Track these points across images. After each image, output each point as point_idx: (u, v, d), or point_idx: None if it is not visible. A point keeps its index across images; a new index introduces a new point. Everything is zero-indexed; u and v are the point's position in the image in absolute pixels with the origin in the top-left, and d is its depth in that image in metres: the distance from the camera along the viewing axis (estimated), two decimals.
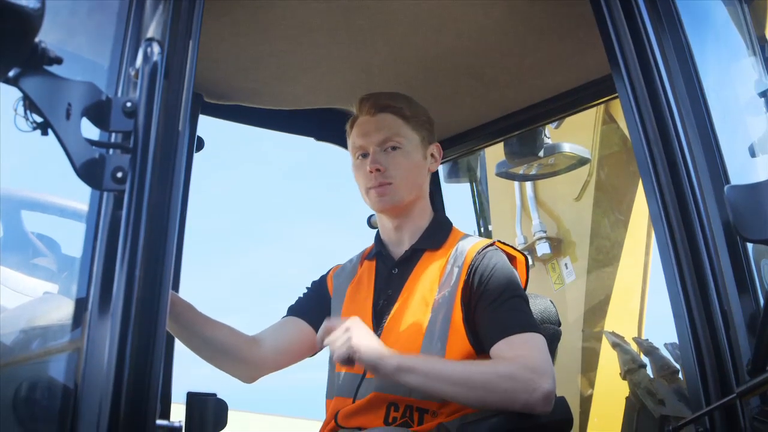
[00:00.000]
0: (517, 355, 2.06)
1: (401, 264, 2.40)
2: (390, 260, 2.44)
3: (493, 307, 2.16)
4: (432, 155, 2.48)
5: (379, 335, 2.29)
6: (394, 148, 2.37)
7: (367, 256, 2.54)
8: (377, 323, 2.33)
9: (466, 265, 2.24)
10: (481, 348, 2.17)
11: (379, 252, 2.48)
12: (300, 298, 2.59)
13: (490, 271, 2.20)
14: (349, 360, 2.03)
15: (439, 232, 2.42)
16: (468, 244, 2.31)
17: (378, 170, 2.34)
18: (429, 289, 2.28)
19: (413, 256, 2.39)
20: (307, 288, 2.61)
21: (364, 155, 2.40)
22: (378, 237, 2.51)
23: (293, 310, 2.55)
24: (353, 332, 2.05)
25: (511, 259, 2.31)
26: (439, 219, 2.48)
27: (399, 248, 2.43)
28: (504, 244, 2.35)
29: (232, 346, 2.41)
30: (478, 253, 2.26)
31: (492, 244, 2.31)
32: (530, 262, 4.68)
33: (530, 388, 2.00)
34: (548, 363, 2.06)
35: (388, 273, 2.42)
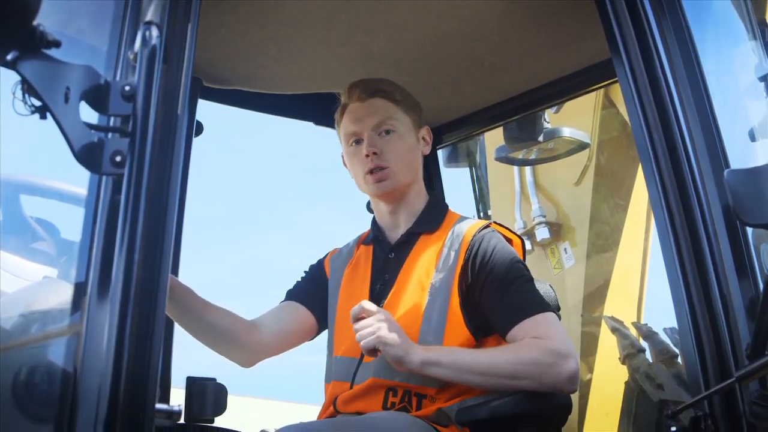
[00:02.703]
0: (535, 338, 2.09)
1: (397, 248, 2.40)
2: (386, 245, 2.43)
3: (500, 292, 2.17)
4: (423, 138, 2.49)
5: None
6: (388, 132, 2.38)
7: (363, 240, 2.54)
8: None
9: (463, 248, 2.24)
10: (479, 334, 2.19)
11: (375, 237, 2.48)
12: (298, 282, 2.59)
13: (491, 254, 2.21)
14: (374, 351, 2.07)
15: (434, 215, 2.41)
16: (464, 227, 2.31)
17: (375, 153, 2.34)
18: (425, 272, 2.27)
19: (409, 240, 2.38)
20: (305, 272, 2.61)
21: (358, 141, 2.40)
22: (374, 222, 2.50)
23: (291, 295, 2.55)
24: (382, 324, 2.07)
25: (508, 241, 2.31)
26: (435, 202, 2.48)
27: (395, 232, 2.43)
28: (500, 225, 2.36)
29: (231, 331, 2.42)
30: (475, 235, 2.26)
31: (488, 225, 2.31)
32: (530, 246, 4.70)
33: (555, 372, 2.04)
34: (568, 342, 2.10)
35: (385, 257, 2.42)
